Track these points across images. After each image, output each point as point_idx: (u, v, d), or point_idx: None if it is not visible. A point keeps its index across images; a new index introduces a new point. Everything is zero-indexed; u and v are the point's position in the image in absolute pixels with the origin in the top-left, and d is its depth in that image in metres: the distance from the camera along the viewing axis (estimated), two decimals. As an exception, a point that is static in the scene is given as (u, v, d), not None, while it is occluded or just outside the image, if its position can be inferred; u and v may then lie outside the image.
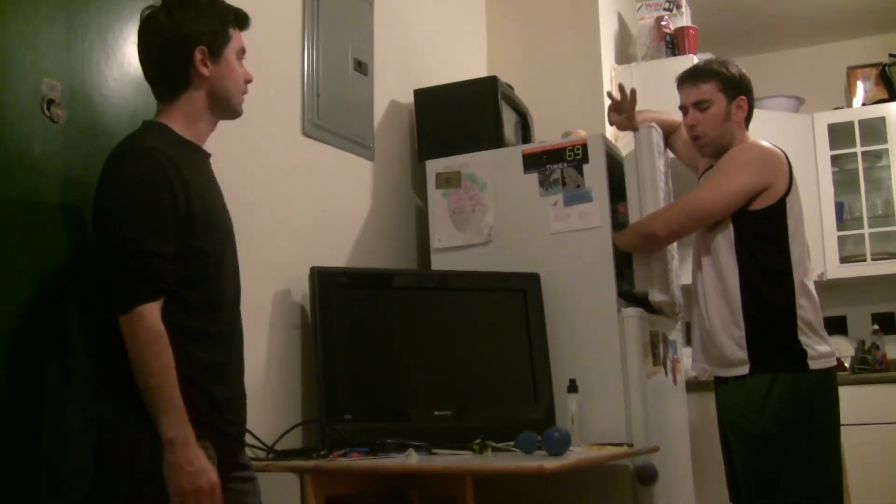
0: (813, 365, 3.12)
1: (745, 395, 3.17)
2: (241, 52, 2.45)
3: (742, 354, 3.17)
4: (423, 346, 3.40)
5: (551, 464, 2.68)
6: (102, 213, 2.22)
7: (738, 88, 3.35)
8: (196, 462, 2.09)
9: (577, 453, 3.04)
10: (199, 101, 2.37)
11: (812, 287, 3.24)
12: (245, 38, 2.51)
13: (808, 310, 3.18)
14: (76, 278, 2.45)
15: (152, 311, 2.12)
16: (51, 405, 2.34)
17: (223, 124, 2.59)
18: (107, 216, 2.20)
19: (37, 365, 2.32)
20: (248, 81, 2.48)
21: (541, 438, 2.86)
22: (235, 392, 2.37)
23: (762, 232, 3.22)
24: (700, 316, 3.34)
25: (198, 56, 2.33)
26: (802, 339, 3.14)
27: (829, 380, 3.18)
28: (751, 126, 3.43)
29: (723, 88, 3.34)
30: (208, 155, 2.44)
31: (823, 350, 3.16)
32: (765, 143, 3.32)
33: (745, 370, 3.17)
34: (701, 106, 3.34)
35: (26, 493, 2.24)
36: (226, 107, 2.43)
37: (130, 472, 2.12)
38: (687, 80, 3.42)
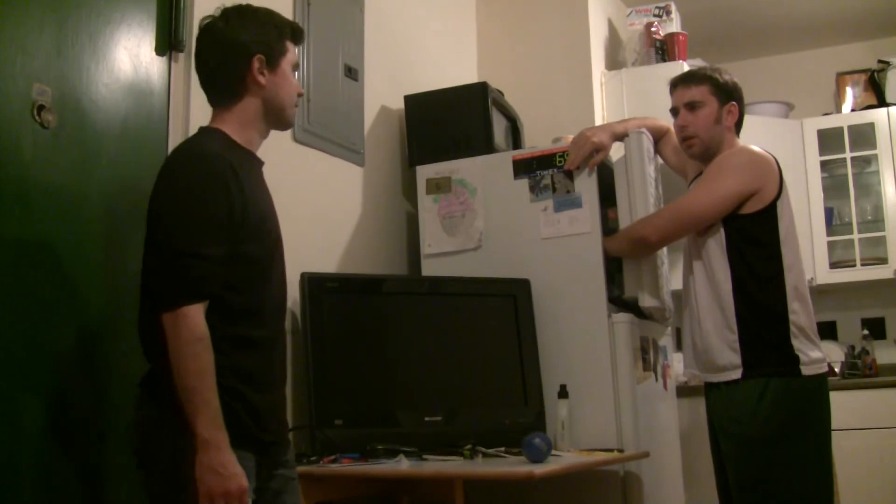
0: (805, 371, 3.12)
1: (737, 400, 3.16)
2: (295, 66, 2.50)
3: (735, 358, 3.17)
4: (414, 352, 3.40)
5: (541, 469, 2.69)
6: (157, 212, 2.23)
7: (730, 94, 3.37)
8: (228, 465, 2.10)
9: (568, 458, 3.05)
10: (253, 109, 2.40)
11: (806, 292, 3.24)
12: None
13: (802, 314, 3.18)
14: (66, 281, 2.46)
15: (196, 312, 2.13)
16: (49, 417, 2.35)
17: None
18: (161, 216, 2.22)
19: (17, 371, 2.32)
20: (300, 95, 2.52)
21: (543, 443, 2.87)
22: (276, 398, 2.39)
23: (753, 236, 3.22)
24: (691, 320, 3.33)
25: (255, 64, 2.37)
26: (795, 343, 3.13)
27: (821, 385, 3.18)
28: (741, 132, 3.43)
29: (715, 92, 3.35)
30: (262, 163, 2.47)
31: (815, 356, 3.16)
32: (755, 148, 3.33)
33: (737, 374, 3.16)
34: (692, 106, 3.35)
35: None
36: (278, 116, 2.46)
37: (171, 476, 2.15)
38: (680, 82, 3.43)
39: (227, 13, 2.42)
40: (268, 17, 2.46)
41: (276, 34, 2.42)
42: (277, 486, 2.39)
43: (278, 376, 2.41)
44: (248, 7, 2.48)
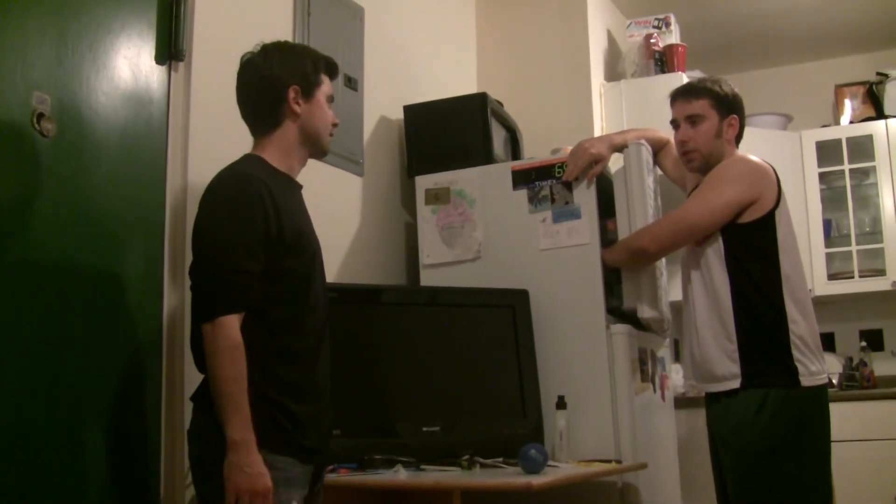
0: (805, 382, 3.10)
1: (736, 411, 3.15)
2: (330, 98, 2.64)
3: (734, 368, 3.15)
4: (412, 362, 3.39)
5: (539, 480, 2.69)
6: (198, 232, 2.39)
7: (730, 107, 3.36)
8: (255, 465, 2.22)
9: (566, 469, 3.05)
10: (290, 136, 2.55)
11: (808, 302, 3.22)
12: (234, 53, 2.58)
13: (802, 325, 3.15)
14: (64, 288, 2.46)
15: (232, 322, 2.26)
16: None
17: (208, 141, 2.69)
18: (202, 235, 2.37)
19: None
20: (335, 125, 2.64)
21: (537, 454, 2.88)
22: (317, 409, 2.47)
23: (752, 245, 3.21)
24: (690, 330, 3.31)
25: (291, 94, 2.52)
26: (796, 354, 3.11)
27: (820, 397, 3.16)
28: (741, 142, 3.43)
29: (715, 105, 3.34)
30: (300, 186, 2.60)
31: (815, 368, 3.13)
32: (752, 157, 3.33)
33: (735, 384, 3.14)
34: (693, 121, 3.34)
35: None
36: (315, 143, 2.61)
37: (220, 485, 2.24)
38: (680, 95, 3.42)
39: (266, 49, 2.57)
40: (304, 52, 2.64)
41: (311, 66, 2.57)
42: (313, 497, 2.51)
43: (320, 388, 2.50)
44: (286, 43, 2.66)
